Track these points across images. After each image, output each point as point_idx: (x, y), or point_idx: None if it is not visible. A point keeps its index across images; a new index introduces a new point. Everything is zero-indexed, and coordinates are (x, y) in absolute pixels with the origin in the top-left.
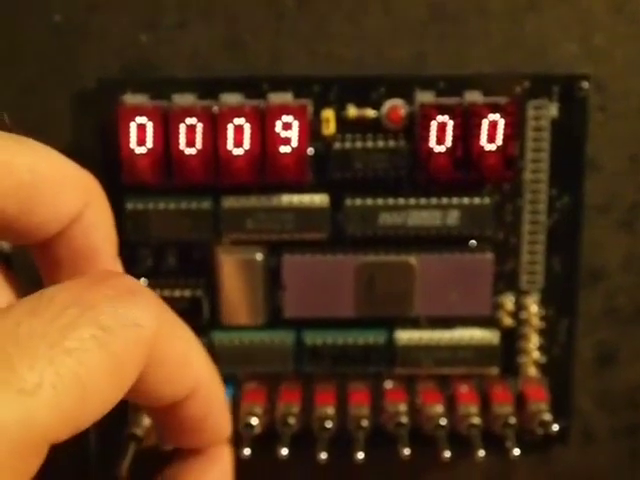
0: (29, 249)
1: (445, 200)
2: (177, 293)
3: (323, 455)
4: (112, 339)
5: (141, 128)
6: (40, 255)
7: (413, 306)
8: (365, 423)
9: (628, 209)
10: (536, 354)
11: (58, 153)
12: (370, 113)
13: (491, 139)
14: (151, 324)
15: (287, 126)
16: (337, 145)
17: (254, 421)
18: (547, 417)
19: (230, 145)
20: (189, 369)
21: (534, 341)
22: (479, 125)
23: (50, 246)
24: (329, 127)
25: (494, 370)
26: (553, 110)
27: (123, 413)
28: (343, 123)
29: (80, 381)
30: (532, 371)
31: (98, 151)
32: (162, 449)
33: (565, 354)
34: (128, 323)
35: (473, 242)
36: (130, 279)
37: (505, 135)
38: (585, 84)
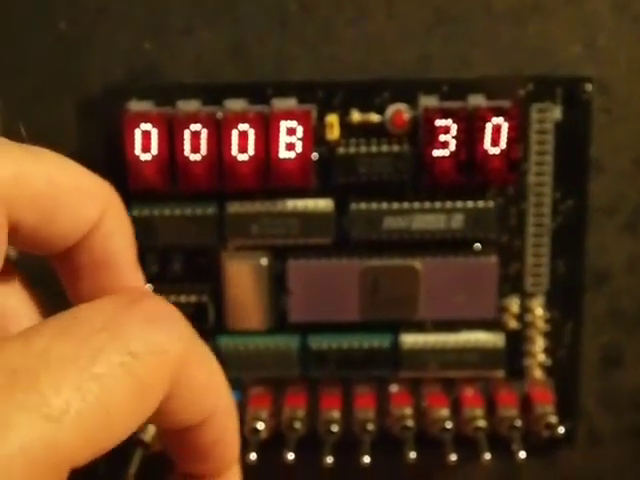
0: (49, 259)
1: (449, 204)
2: (183, 298)
3: (329, 459)
4: (140, 366)
5: (146, 135)
6: (60, 265)
7: (418, 310)
8: (371, 427)
9: (632, 211)
10: (541, 357)
11: (74, 162)
12: (374, 118)
13: (495, 142)
14: (178, 350)
15: (291, 131)
16: (341, 150)
17: (260, 426)
18: (553, 419)
19: (235, 151)
20: (210, 395)
21: (539, 344)
22: (483, 129)
23: (70, 256)
24: (333, 132)
25: (499, 373)
26: (557, 113)
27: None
28: (347, 128)
29: (105, 408)
30: (537, 374)
31: (103, 157)
32: (169, 455)
33: (570, 356)
34: (156, 350)
35: (478, 245)
36: (162, 302)
37: (509, 138)
38: (589, 86)
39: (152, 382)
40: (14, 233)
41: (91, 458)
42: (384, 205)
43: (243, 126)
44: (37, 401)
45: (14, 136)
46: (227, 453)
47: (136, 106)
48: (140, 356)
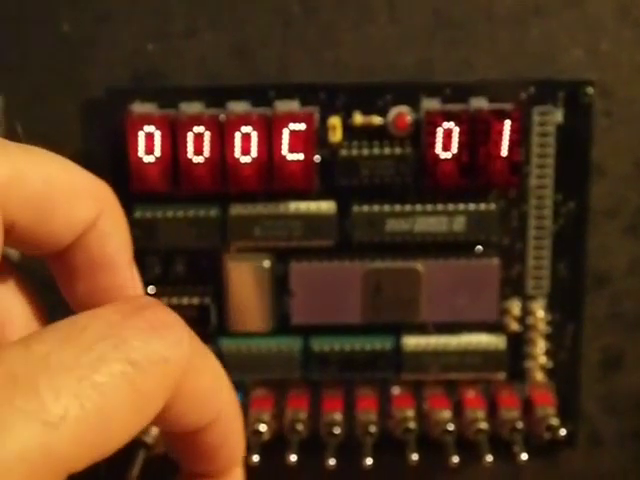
0: (45, 259)
1: (451, 206)
2: (185, 300)
3: (331, 461)
4: (140, 376)
5: (149, 137)
6: (56, 265)
7: (420, 312)
8: (373, 429)
9: (633, 214)
10: (543, 359)
11: (71, 162)
12: (376, 120)
13: (497, 145)
14: (180, 360)
15: (294, 134)
16: (344, 152)
17: (262, 428)
18: (554, 422)
19: (237, 153)
20: (213, 400)
21: (540, 346)
22: (485, 131)
23: (66, 256)
24: (336, 134)
25: (501, 375)
26: (558, 116)
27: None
28: (349, 130)
29: (104, 416)
30: (539, 376)
31: (106, 159)
32: (171, 457)
33: (571, 359)
34: (158, 360)
35: (479, 248)
36: (165, 311)
37: (511, 141)
38: (590, 90)
39: (152, 392)
40: (9, 233)
41: (89, 464)
42: (386, 207)
43: (246, 128)
44: (36, 407)
45: (18, 138)
46: (232, 454)
47: (139, 108)
48: (141, 366)
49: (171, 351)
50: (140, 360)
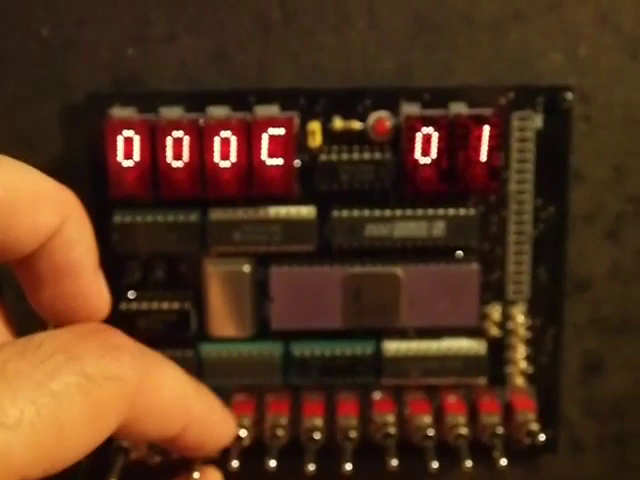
0: (11, 266)
1: (431, 211)
2: (165, 305)
3: (311, 467)
4: (95, 389)
5: (128, 141)
6: (22, 272)
7: (400, 317)
8: (353, 434)
9: (613, 219)
10: (523, 364)
11: (34, 169)
12: (356, 125)
13: (476, 150)
14: (133, 379)
15: (274, 138)
16: (323, 157)
17: (243, 433)
18: (534, 427)
19: (217, 158)
20: (176, 414)
21: (521, 351)
22: (464, 137)
23: (31, 262)
24: (315, 139)
25: (482, 380)
26: (538, 121)
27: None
28: (329, 135)
29: (59, 423)
30: (519, 381)
31: (86, 164)
32: (150, 462)
33: (552, 364)
34: (111, 376)
35: (459, 253)
36: (115, 334)
37: (490, 146)
38: (569, 95)
39: (107, 406)
40: None
41: (43, 474)
42: (366, 212)
43: (225, 133)
44: None
45: None
46: (219, 442)
47: (118, 113)
48: (96, 380)
49: (124, 370)
50: (95, 375)
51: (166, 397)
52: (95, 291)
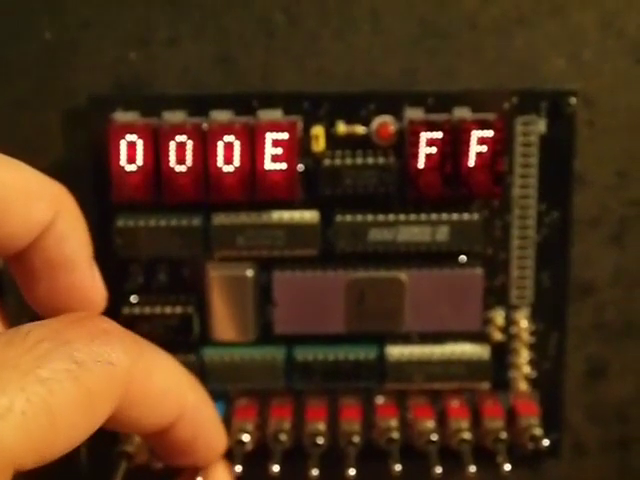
0: (5, 262)
1: (434, 216)
2: (168, 310)
3: (314, 471)
4: (85, 374)
5: (131, 146)
6: (16, 267)
7: (403, 322)
8: (356, 439)
9: (617, 223)
10: (526, 369)
11: (25, 165)
12: (360, 130)
13: (480, 155)
14: (124, 363)
15: (277, 143)
16: (327, 162)
17: (245, 438)
18: (538, 432)
19: (220, 162)
20: (170, 400)
21: (524, 356)
22: (468, 141)
23: (25, 257)
24: (319, 144)
25: (485, 385)
26: (541, 126)
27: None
28: (333, 140)
29: (50, 410)
30: (523, 386)
31: (88, 168)
32: (153, 467)
33: (555, 368)
34: (101, 360)
35: (463, 258)
36: (104, 320)
37: (494, 151)
38: (573, 100)
39: (99, 392)
40: None
41: (36, 463)
42: (369, 217)
43: (229, 137)
44: None
45: None
46: (209, 446)
47: (121, 117)
48: (86, 365)
49: (114, 354)
50: (85, 359)
51: (160, 382)
52: (90, 285)
